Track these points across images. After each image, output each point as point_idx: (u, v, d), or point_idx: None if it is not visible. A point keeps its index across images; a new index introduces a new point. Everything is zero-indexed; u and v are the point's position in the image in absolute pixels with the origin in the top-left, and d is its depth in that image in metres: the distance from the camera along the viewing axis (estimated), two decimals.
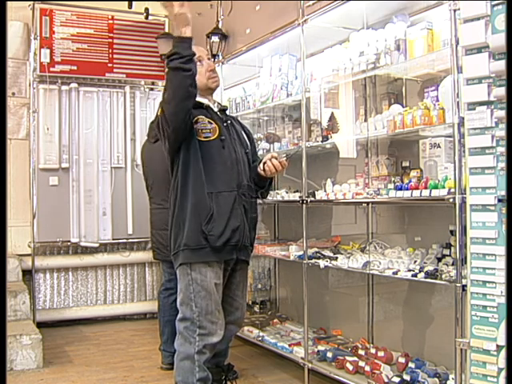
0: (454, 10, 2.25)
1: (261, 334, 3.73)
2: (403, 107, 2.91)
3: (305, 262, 3.20)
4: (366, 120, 3.04)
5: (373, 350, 3.08)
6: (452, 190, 2.32)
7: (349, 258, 3.05)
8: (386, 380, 2.74)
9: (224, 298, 2.58)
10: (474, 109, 2.09)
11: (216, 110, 2.64)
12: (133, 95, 4.98)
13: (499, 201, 2.01)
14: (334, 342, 3.37)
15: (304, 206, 3.20)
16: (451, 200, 2.29)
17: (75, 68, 4.74)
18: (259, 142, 3.85)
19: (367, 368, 2.89)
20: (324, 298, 3.76)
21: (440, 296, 2.88)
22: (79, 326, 4.74)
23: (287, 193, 3.59)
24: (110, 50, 4.89)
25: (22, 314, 3.95)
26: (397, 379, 2.70)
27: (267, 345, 3.60)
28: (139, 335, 4.46)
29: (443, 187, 2.41)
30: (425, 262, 2.71)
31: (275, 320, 4.04)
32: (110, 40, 4.89)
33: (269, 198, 3.36)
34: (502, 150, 1.99)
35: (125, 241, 4.96)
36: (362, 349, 3.16)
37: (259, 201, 2.76)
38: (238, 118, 3.11)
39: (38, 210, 4.61)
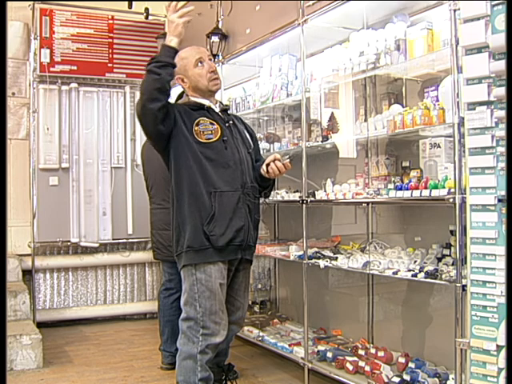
0: (454, 10, 2.25)
1: (261, 333, 3.73)
2: (403, 107, 2.91)
3: (305, 262, 3.20)
4: (365, 120, 3.04)
5: (373, 350, 3.08)
6: (452, 190, 2.32)
7: (349, 258, 3.05)
8: (386, 380, 2.74)
9: (226, 297, 2.57)
10: (474, 109, 2.09)
11: (218, 110, 2.62)
12: (133, 95, 4.98)
13: (499, 201, 2.01)
14: (334, 342, 3.37)
15: (304, 205, 3.20)
16: (451, 200, 2.29)
17: (75, 68, 4.74)
18: (259, 142, 3.85)
19: (367, 368, 2.89)
20: (324, 298, 3.76)
21: (440, 296, 2.88)
22: (79, 325, 4.74)
23: (287, 193, 3.58)
24: (110, 50, 4.89)
25: (22, 314, 3.95)
26: (397, 379, 2.70)
27: (267, 345, 3.60)
28: (139, 335, 4.46)
29: (443, 187, 2.41)
30: (425, 262, 2.71)
31: (275, 320, 4.04)
32: (110, 40, 4.89)
33: (267, 198, 3.36)
34: (502, 150, 1.99)
35: (125, 241, 4.97)
36: (362, 349, 3.16)
37: (260, 200, 2.76)
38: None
39: (38, 209, 4.61)
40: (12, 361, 3.46)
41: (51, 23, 4.66)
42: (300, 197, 3.28)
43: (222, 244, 2.44)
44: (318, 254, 3.21)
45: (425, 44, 2.61)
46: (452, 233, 2.51)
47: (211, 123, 2.52)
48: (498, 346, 2.00)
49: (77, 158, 4.76)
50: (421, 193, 2.53)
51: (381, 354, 3.00)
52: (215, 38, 4.02)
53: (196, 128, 2.48)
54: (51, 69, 4.64)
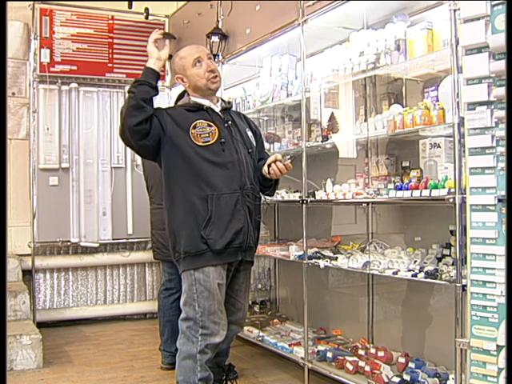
0: (454, 10, 2.25)
1: (261, 334, 3.73)
2: (403, 107, 2.91)
3: (305, 262, 3.20)
4: (365, 120, 3.04)
5: (373, 350, 3.08)
6: (452, 190, 2.32)
7: (349, 258, 3.05)
8: (386, 380, 2.74)
9: (226, 298, 2.57)
10: (474, 109, 2.09)
11: (219, 109, 2.60)
12: None
13: (499, 201, 2.01)
14: (334, 342, 3.37)
15: (304, 205, 3.20)
16: (451, 200, 2.29)
17: (75, 68, 4.74)
18: None
19: (367, 368, 2.89)
20: (324, 298, 3.76)
21: (440, 296, 2.88)
22: (79, 325, 4.74)
23: (287, 193, 3.58)
24: (110, 50, 4.89)
25: (22, 314, 3.95)
26: (397, 379, 2.70)
27: (267, 345, 3.60)
28: (139, 335, 4.46)
29: (443, 187, 2.41)
30: (425, 262, 2.71)
31: (275, 320, 4.05)
32: (110, 40, 4.89)
33: (269, 197, 3.36)
34: (502, 150, 1.99)
35: (125, 241, 4.97)
36: (362, 349, 3.16)
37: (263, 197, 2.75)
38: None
39: (38, 209, 4.61)
40: (12, 361, 3.46)
41: (51, 23, 4.66)
42: (300, 197, 3.28)
43: (220, 247, 2.43)
44: (318, 254, 3.21)
45: (425, 44, 2.61)
46: (452, 233, 2.51)
47: (209, 125, 2.50)
48: (497, 345, 2.01)
49: (77, 158, 4.76)
50: (421, 193, 2.53)
51: (381, 354, 3.00)
52: (215, 38, 4.02)
53: (193, 131, 2.46)
54: (51, 69, 4.63)
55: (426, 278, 2.53)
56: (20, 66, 4.76)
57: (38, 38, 4.61)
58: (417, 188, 2.58)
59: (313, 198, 3.19)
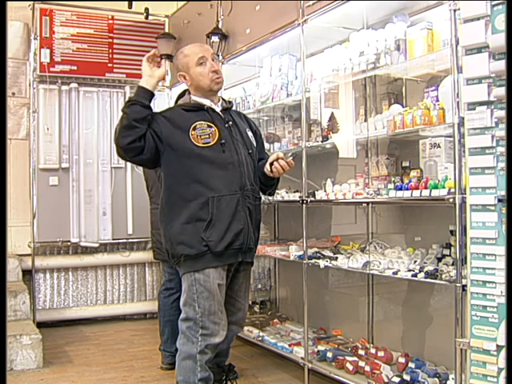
0: (454, 10, 2.25)
1: (261, 334, 3.73)
2: (403, 107, 2.91)
3: (305, 262, 3.20)
4: (365, 120, 3.04)
5: (373, 350, 3.08)
6: (452, 190, 2.32)
7: (349, 258, 3.05)
8: (386, 380, 2.74)
9: (226, 298, 2.56)
10: (474, 109, 2.09)
11: (219, 109, 2.59)
12: None
13: (499, 201, 2.01)
14: (334, 342, 3.37)
15: (304, 205, 3.20)
16: (451, 200, 2.29)
17: (75, 68, 4.74)
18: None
19: (367, 368, 2.89)
20: (324, 298, 3.76)
21: (440, 296, 2.88)
22: (79, 325, 4.74)
23: (287, 193, 3.58)
24: (110, 50, 4.89)
25: (22, 314, 3.95)
26: (397, 379, 2.70)
27: (267, 345, 3.60)
28: (139, 335, 4.46)
29: (443, 187, 2.41)
30: (425, 262, 2.71)
31: (275, 320, 4.04)
32: (110, 40, 4.89)
33: (269, 197, 3.36)
34: (502, 150, 1.99)
35: (125, 241, 4.97)
36: (362, 349, 3.16)
37: (262, 198, 2.75)
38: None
39: (38, 209, 4.61)
40: (12, 361, 3.46)
41: (51, 23, 4.66)
42: (300, 197, 3.28)
43: (220, 249, 2.42)
44: (318, 254, 3.21)
45: (425, 44, 2.61)
46: (452, 233, 2.51)
47: (209, 126, 2.48)
48: (498, 346, 2.01)
49: (77, 158, 4.76)
50: (421, 193, 2.53)
51: (381, 354, 3.00)
52: (215, 38, 4.02)
53: (193, 132, 2.45)
54: (51, 69, 4.63)
55: (425, 277, 2.53)
56: (20, 66, 4.76)
57: (38, 38, 4.61)
58: (417, 188, 2.58)
59: (313, 198, 3.19)
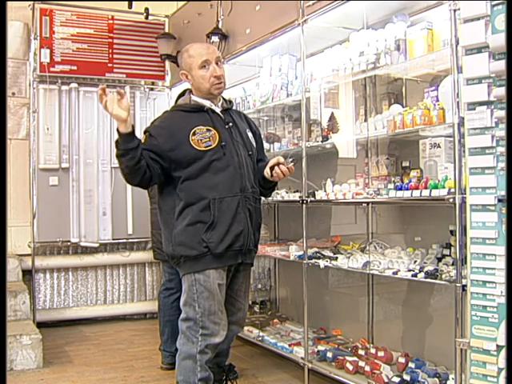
0: (454, 10, 2.25)
1: (261, 333, 3.73)
2: (403, 107, 2.91)
3: (305, 262, 3.20)
4: (365, 120, 3.04)
5: (373, 350, 3.08)
6: (452, 190, 2.32)
7: (349, 258, 3.05)
8: (386, 380, 2.74)
9: (226, 298, 2.57)
10: (474, 109, 2.09)
11: (219, 110, 2.59)
12: (133, 95, 4.98)
13: (499, 201, 2.01)
14: (334, 342, 3.37)
15: (304, 206, 3.20)
16: (451, 200, 2.29)
17: (75, 68, 4.73)
18: None
19: (367, 368, 2.89)
20: (324, 298, 3.76)
21: (440, 296, 2.88)
22: (79, 325, 4.74)
23: (287, 193, 3.58)
24: (110, 50, 4.89)
25: (22, 314, 3.95)
26: (397, 379, 2.70)
27: (267, 345, 3.60)
28: (139, 335, 4.46)
29: (443, 187, 2.41)
30: (425, 262, 2.71)
31: (275, 320, 4.04)
32: (110, 40, 4.89)
33: (269, 198, 3.36)
34: (502, 150, 1.99)
35: (125, 241, 4.97)
36: (362, 349, 3.16)
37: (262, 199, 2.75)
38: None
39: (38, 209, 4.61)
40: (12, 361, 3.46)
41: (51, 23, 4.65)
42: (300, 197, 3.28)
43: (220, 250, 2.43)
44: (318, 254, 3.21)
45: (425, 44, 2.61)
46: (452, 233, 2.51)
47: (208, 130, 2.48)
48: (498, 346, 2.01)
49: (77, 158, 4.76)
50: (421, 193, 2.53)
51: (381, 354, 3.00)
52: (215, 38, 4.02)
53: (193, 138, 2.44)
54: (51, 69, 4.63)
55: (425, 277, 2.53)
56: (20, 66, 4.76)
57: (38, 37, 4.61)
58: (417, 188, 2.57)
59: (313, 198, 3.19)
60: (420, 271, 2.60)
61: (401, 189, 2.65)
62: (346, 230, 3.62)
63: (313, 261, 3.17)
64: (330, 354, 3.13)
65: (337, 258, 3.10)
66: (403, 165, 2.96)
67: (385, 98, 3.15)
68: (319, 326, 3.68)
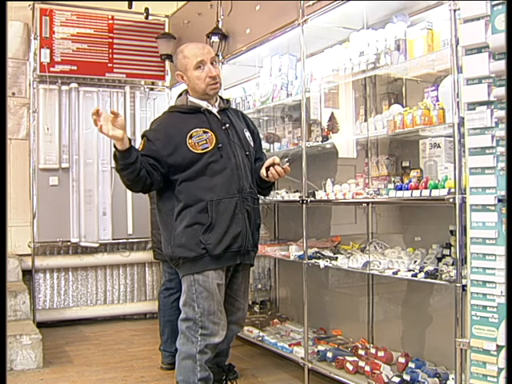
0: (454, 10, 2.25)
1: (261, 333, 3.73)
2: (403, 107, 2.91)
3: (305, 262, 3.20)
4: (365, 120, 3.04)
5: (373, 350, 3.08)
6: (452, 190, 2.32)
7: (349, 258, 3.05)
8: (386, 380, 2.74)
9: (226, 298, 2.57)
10: (474, 109, 2.09)
11: (216, 110, 2.59)
12: (133, 95, 4.98)
13: (499, 201, 2.01)
14: (334, 342, 3.37)
15: (304, 206, 3.20)
16: (451, 200, 2.29)
17: (75, 68, 4.73)
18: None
19: (367, 368, 2.89)
20: (324, 298, 3.76)
21: (440, 296, 2.88)
22: (79, 325, 4.74)
23: (287, 193, 3.58)
24: (110, 50, 4.89)
25: (22, 314, 3.95)
26: (397, 379, 2.70)
27: (267, 345, 3.60)
28: (139, 335, 4.46)
29: (443, 187, 2.41)
30: (425, 262, 2.71)
31: (275, 320, 4.04)
32: (110, 40, 4.89)
33: (269, 197, 3.36)
34: (502, 150, 1.99)
35: (125, 241, 4.97)
36: (362, 349, 3.16)
37: (262, 198, 2.76)
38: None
39: (38, 209, 4.61)
40: (12, 361, 3.46)
41: (51, 23, 4.65)
42: (300, 197, 3.27)
43: (218, 252, 2.43)
44: (318, 254, 3.21)
45: (425, 44, 2.61)
46: (452, 233, 2.51)
47: (204, 132, 2.48)
48: (498, 346, 2.01)
49: (77, 158, 4.76)
50: (421, 193, 2.53)
51: (381, 354, 3.00)
52: (215, 38, 4.02)
53: (190, 141, 2.45)
54: (51, 69, 4.63)
55: (426, 278, 2.53)
56: (20, 66, 4.76)
57: (38, 37, 4.61)
58: (417, 188, 2.57)
59: (313, 198, 3.19)
60: (420, 271, 2.60)
61: (401, 189, 2.65)
62: (345, 230, 3.62)
63: (313, 261, 3.17)
64: (330, 354, 3.13)
65: (337, 258, 3.10)
66: (403, 165, 2.96)
67: (385, 98, 3.15)
68: (319, 326, 3.68)
